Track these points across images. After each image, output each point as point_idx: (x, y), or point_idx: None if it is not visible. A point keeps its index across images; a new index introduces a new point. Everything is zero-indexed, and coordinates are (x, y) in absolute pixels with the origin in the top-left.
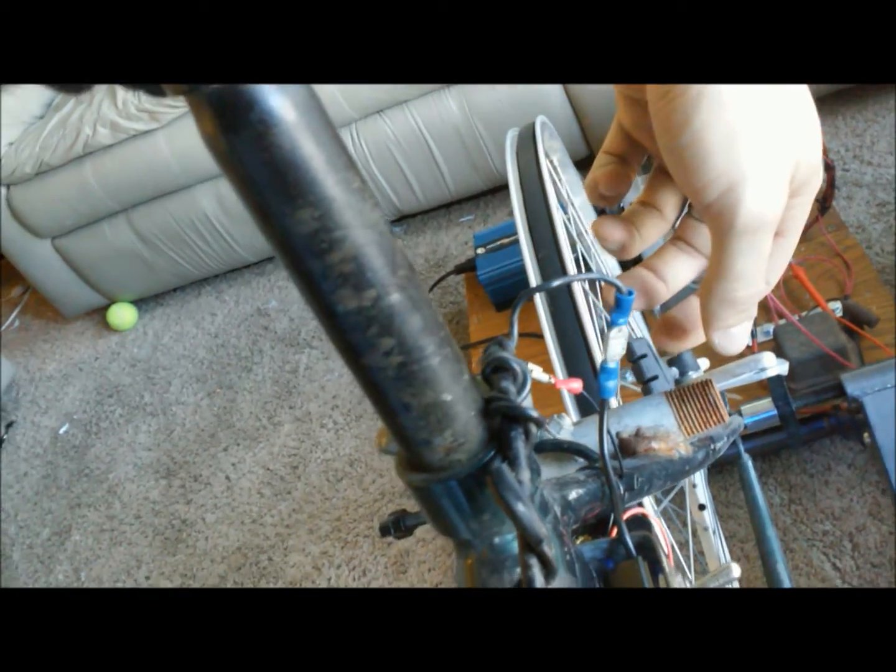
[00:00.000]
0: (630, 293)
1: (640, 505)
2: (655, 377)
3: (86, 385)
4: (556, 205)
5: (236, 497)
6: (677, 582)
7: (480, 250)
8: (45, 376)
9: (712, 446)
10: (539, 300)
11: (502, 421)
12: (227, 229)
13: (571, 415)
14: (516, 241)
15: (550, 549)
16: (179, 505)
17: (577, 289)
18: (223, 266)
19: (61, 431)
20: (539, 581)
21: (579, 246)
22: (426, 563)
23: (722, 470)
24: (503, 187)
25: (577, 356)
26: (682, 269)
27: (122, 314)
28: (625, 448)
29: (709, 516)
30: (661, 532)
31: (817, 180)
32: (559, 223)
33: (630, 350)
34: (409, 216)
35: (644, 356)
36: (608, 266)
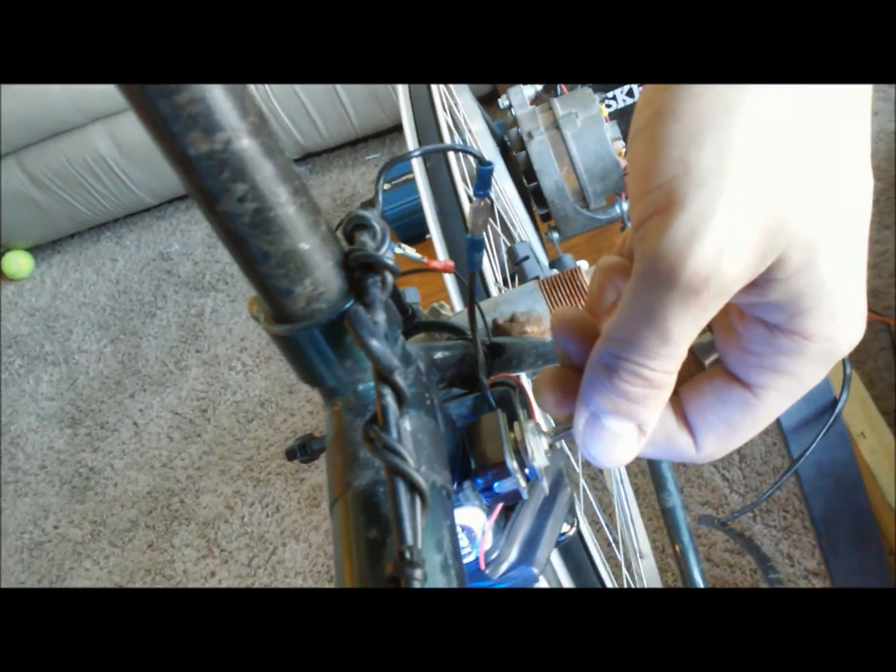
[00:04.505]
0: (489, 164)
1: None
2: (537, 277)
3: None
4: (446, 124)
5: (145, 442)
6: (531, 428)
7: (386, 186)
8: None
9: None
10: (427, 205)
11: (360, 270)
12: (124, 170)
13: (455, 305)
14: None
15: (403, 381)
16: (86, 453)
17: (464, 198)
18: (122, 209)
19: None
20: (393, 408)
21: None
22: None
23: None
24: None
25: (458, 245)
26: None
27: (18, 262)
28: (501, 332)
29: None
30: (528, 397)
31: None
32: (446, 133)
33: (513, 253)
34: (315, 154)
35: (527, 258)
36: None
